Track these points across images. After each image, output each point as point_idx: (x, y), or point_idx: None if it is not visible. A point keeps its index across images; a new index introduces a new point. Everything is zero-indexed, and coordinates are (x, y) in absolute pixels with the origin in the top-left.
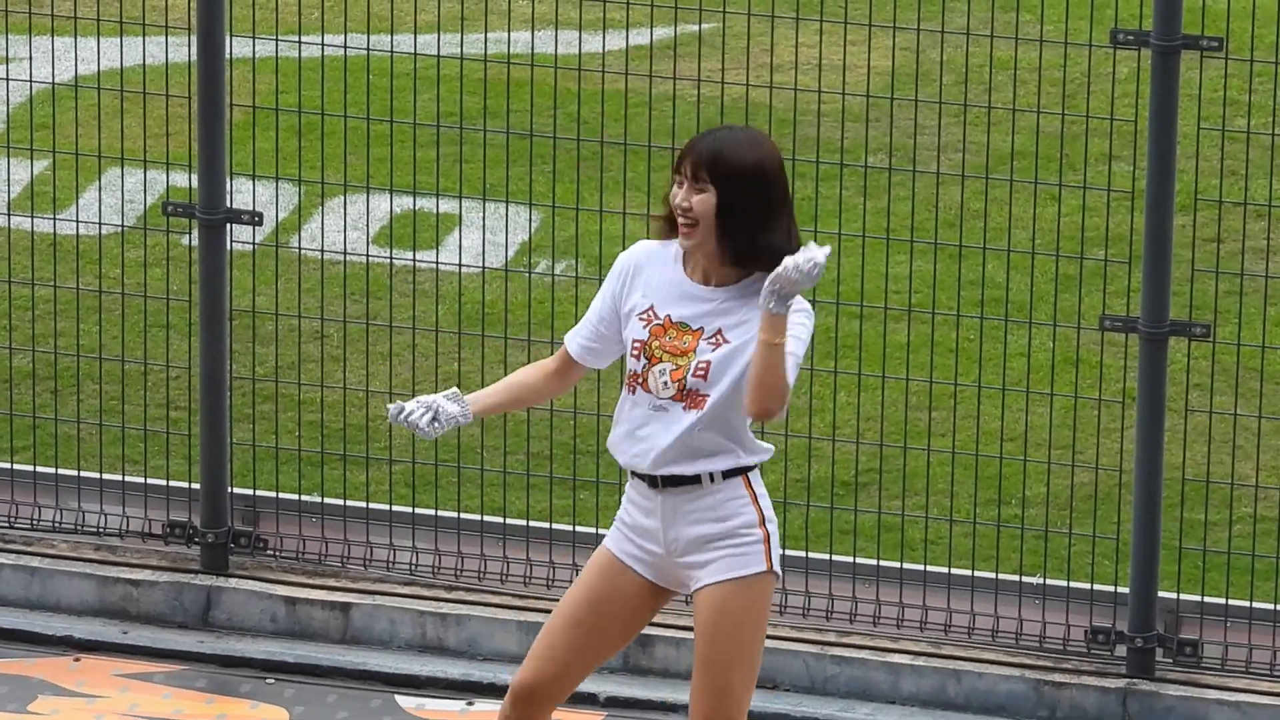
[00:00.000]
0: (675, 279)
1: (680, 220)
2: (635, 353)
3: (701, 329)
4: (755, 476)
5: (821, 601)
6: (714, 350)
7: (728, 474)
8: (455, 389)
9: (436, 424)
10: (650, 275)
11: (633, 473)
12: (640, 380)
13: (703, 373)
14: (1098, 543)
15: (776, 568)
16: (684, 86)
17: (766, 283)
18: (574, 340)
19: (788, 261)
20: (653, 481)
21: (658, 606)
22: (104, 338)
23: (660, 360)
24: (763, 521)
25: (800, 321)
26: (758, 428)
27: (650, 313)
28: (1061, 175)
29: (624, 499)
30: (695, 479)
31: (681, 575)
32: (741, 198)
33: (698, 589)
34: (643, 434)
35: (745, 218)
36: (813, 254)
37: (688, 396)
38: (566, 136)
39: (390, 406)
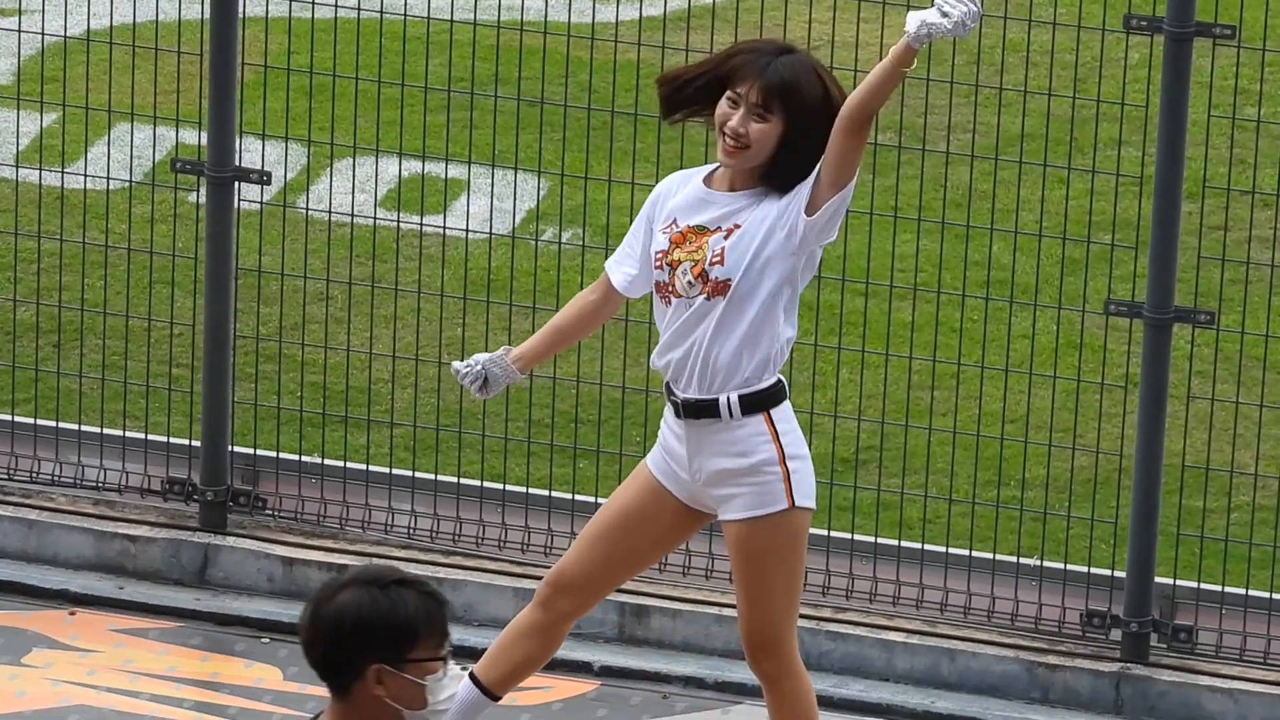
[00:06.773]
0: (696, 192)
1: (729, 142)
2: (658, 264)
3: (718, 227)
4: (779, 413)
5: (818, 577)
6: (726, 239)
7: (747, 408)
8: (506, 347)
9: (486, 389)
10: (677, 196)
11: (667, 395)
12: (669, 289)
13: (719, 258)
14: (1096, 526)
15: (801, 502)
16: (696, 59)
17: (920, 28)
18: (617, 270)
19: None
20: (677, 410)
21: (694, 526)
22: (108, 293)
23: (681, 264)
24: (783, 459)
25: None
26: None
27: (672, 225)
28: (1070, 159)
29: (662, 421)
30: (714, 409)
31: (709, 501)
32: (807, 132)
33: (724, 520)
34: (679, 335)
35: (805, 150)
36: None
37: (710, 285)
38: (577, 105)
39: (455, 366)
